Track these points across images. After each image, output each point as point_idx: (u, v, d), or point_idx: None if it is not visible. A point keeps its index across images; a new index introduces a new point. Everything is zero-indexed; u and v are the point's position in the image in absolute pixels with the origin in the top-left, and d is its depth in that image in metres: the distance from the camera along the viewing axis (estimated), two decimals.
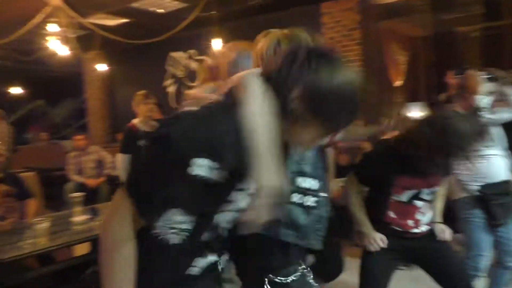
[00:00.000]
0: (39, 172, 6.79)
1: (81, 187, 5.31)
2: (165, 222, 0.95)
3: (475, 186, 2.60)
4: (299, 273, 1.28)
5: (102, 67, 7.60)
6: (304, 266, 1.31)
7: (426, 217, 2.10)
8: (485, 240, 2.59)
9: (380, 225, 2.06)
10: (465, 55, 5.41)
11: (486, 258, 2.59)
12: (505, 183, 2.59)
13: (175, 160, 0.89)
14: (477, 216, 2.59)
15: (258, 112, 0.92)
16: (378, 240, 2.03)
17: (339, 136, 2.79)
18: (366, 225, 2.07)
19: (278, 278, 1.23)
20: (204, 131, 0.90)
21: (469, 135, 1.78)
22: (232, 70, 1.68)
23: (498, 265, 2.66)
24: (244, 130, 0.90)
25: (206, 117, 0.94)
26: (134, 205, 0.92)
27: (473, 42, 5.54)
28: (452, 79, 4.24)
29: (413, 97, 6.20)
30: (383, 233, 2.05)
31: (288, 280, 1.24)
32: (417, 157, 1.84)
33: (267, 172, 0.91)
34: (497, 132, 2.67)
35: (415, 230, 2.07)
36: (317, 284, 1.34)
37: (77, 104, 12.20)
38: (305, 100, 0.92)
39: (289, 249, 1.21)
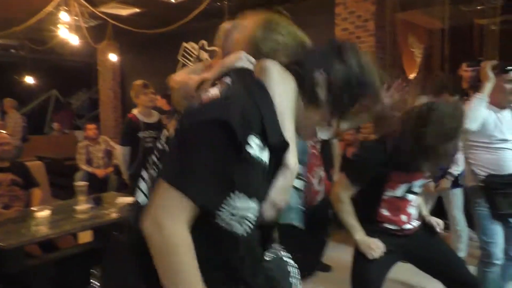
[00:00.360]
0: (50, 161, 6.89)
1: (90, 176, 5.35)
2: (228, 209, 0.88)
3: (482, 175, 2.59)
4: (274, 252, 1.25)
5: (114, 57, 7.63)
6: (278, 248, 1.30)
7: (416, 210, 2.06)
8: (493, 228, 2.57)
9: (372, 225, 1.99)
10: (483, 48, 5.26)
11: (497, 245, 2.56)
12: None
13: (231, 143, 0.83)
14: (483, 205, 2.59)
15: (285, 95, 0.95)
16: (379, 246, 1.93)
17: (344, 125, 2.72)
18: (359, 232, 1.97)
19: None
20: (251, 108, 0.87)
21: (451, 124, 1.73)
22: (224, 42, 1.64)
23: (506, 257, 2.64)
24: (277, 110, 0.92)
25: (247, 93, 0.90)
26: (188, 199, 0.83)
27: (491, 35, 5.37)
28: (465, 72, 4.13)
29: (428, 91, 6.07)
30: (375, 234, 1.97)
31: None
32: (405, 150, 1.79)
33: (292, 153, 0.93)
34: None
35: (408, 226, 2.02)
36: (293, 262, 1.32)
37: (91, 94, 12.31)
38: (329, 86, 0.98)
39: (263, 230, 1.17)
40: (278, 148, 0.90)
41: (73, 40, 5.46)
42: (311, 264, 2.80)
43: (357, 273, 2.00)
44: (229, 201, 0.87)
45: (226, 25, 1.68)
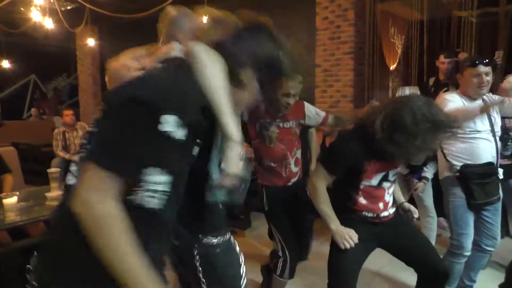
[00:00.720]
0: (27, 147, 6.77)
1: (67, 163, 5.27)
2: (144, 184, 0.92)
3: (457, 165, 2.58)
4: (226, 238, 1.35)
5: (92, 42, 7.48)
6: (229, 234, 1.39)
7: (391, 198, 2.08)
8: (467, 219, 2.57)
9: (350, 213, 2.01)
10: (460, 40, 5.31)
11: (469, 236, 2.56)
12: (488, 164, 2.56)
13: (146, 120, 0.88)
14: (459, 195, 2.58)
15: (216, 74, 0.99)
16: (353, 236, 1.94)
17: (329, 122, 2.75)
18: (334, 222, 1.98)
19: (206, 238, 1.30)
20: (170, 87, 0.92)
21: (420, 115, 1.74)
22: (171, 28, 1.66)
23: (476, 248, 2.65)
24: (204, 88, 0.97)
25: (168, 74, 0.98)
26: (111, 173, 0.87)
27: (469, 27, 5.44)
28: (442, 63, 4.17)
29: (406, 81, 6.13)
30: (353, 222, 1.99)
31: (213, 241, 1.32)
32: (378, 140, 1.80)
33: (233, 126, 1.00)
34: (492, 118, 2.61)
35: (385, 214, 2.04)
36: (240, 252, 1.41)
37: (71, 80, 12.09)
38: (252, 67, 1.04)
39: (216, 213, 1.29)
40: (195, 125, 0.95)
41: (48, 23, 5.33)
42: (304, 246, 2.79)
43: (334, 262, 2.01)
44: (144, 175, 0.91)
45: (172, 12, 1.69)
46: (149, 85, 0.92)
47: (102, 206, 0.86)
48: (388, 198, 2.05)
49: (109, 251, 0.87)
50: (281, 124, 2.52)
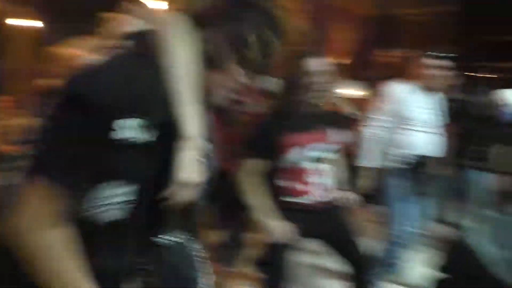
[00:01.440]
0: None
1: None
2: (99, 200, 0.77)
3: (397, 156, 2.56)
4: (180, 239, 1.23)
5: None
6: (186, 236, 1.27)
7: (320, 183, 1.94)
8: (406, 210, 2.54)
9: (280, 203, 1.88)
10: (403, 36, 5.47)
11: (409, 228, 2.54)
12: (424, 157, 2.56)
13: (95, 124, 0.72)
14: (397, 186, 2.55)
15: (184, 59, 0.83)
16: (287, 230, 1.82)
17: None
18: (265, 215, 1.85)
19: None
20: (126, 84, 0.75)
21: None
22: None
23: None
24: (168, 79, 0.80)
25: (125, 68, 0.78)
26: (52, 187, 0.72)
27: (413, 25, 5.63)
28: (381, 58, 4.27)
29: (352, 75, 6.25)
30: (286, 212, 1.86)
31: (165, 241, 1.14)
32: None
33: (192, 123, 0.81)
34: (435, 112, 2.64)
35: (310, 199, 1.91)
36: (197, 253, 1.30)
37: None
38: (228, 45, 0.86)
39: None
40: (165, 125, 0.80)
41: None
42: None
43: (268, 258, 1.94)
44: (101, 189, 0.77)
45: None
46: (102, 82, 0.74)
47: (41, 236, 0.73)
48: (312, 180, 1.91)
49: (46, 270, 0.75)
50: None
